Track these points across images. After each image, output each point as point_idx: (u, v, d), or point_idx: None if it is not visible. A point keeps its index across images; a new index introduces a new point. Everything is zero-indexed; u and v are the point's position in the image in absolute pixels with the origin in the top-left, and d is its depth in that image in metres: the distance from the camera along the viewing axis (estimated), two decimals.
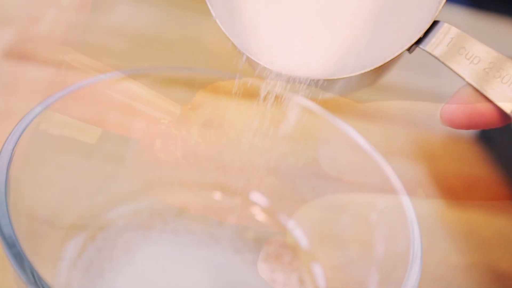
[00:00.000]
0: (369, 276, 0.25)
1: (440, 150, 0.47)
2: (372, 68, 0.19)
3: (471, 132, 0.49)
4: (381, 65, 0.19)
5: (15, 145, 0.21)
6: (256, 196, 0.33)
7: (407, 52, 0.19)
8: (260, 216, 0.33)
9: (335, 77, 0.19)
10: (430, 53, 0.19)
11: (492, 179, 0.44)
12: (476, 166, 0.46)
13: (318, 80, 0.19)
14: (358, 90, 0.20)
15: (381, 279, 0.24)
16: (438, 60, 0.18)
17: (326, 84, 0.19)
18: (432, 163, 0.44)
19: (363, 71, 0.19)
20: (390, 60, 0.19)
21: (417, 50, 0.19)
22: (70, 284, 0.24)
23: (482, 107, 0.18)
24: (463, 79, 0.18)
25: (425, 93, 0.54)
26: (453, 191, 0.42)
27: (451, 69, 0.18)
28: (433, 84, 0.55)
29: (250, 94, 0.22)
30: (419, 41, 0.19)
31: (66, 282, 0.24)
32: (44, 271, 0.17)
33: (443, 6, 0.19)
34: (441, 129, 0.49)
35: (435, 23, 0.19)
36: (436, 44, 0.19)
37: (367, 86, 0.21)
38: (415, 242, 0.23)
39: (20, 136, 0.22)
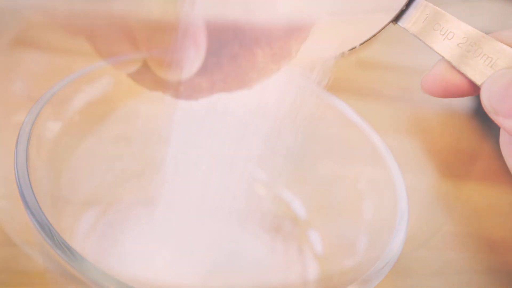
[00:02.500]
0: (359, 240, 0.26)
1: (436, 125, 0.48)
2: (348, 49, 0.20)
3: (466, 107, 0.50)
4: (355, 47, 0.19)
5: (31, 128, 0.23)
6: (257, 171, 0.35)
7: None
8: (260, 190, 0.34)
9: (320, 59, 0.20)
10: (407, 30, 0.19)
11: (486, 153, 0.45)
12: (472, 140, 0.47)
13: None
14: None
15: (369, 241, 0.25)
16: (415, 36, 0.19)
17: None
18: (428, 138, 0.45)
19: (339, 52, 0.20)
20: (366, 40, 0.20)
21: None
22: (85, 254, 0.26)
23: (457, 80, 0.19)
24: (439, 54, 0.19)
25: (421, 70, 0.55)
26: (449, 165, 0.43)
27: (426, 45, 0.19)
28: (430, 62, 0.56)
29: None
30: (397, 19, 0.19)
31: (81, 252, 0.26)
32: None
33: None
34: (437, 106, 0.50)
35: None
36: (412, 22, 0.19)
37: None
38: (402, 208, 0.24)
39: (35, 120, 0.23)
